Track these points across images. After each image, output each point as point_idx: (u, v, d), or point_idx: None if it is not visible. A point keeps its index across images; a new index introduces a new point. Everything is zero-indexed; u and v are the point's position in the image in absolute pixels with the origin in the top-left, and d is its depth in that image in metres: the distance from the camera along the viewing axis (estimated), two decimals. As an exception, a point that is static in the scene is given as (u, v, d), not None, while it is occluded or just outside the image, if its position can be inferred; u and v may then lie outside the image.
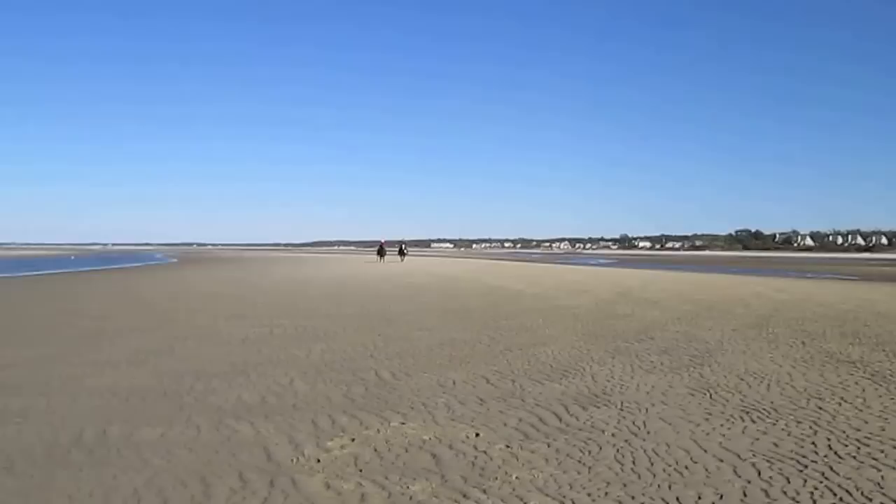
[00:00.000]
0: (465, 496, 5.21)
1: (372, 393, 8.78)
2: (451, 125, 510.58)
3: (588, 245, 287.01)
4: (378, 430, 7.02)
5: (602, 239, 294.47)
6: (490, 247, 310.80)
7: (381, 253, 69.64)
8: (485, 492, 5.30)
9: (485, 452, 6.30)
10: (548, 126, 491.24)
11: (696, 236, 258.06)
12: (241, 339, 13.37)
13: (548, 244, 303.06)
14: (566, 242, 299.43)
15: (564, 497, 5.18)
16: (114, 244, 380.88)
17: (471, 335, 14.00)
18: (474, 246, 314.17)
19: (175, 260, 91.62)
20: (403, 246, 75.48)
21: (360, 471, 5.81)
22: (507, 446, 6.49)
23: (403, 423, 7.29)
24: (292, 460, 6.12)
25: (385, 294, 25.75)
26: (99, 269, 58.95)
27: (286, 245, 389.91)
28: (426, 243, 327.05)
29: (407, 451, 6.36)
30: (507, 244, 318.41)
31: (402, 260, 70.07)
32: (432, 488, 5.39)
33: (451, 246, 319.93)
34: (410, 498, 5.20)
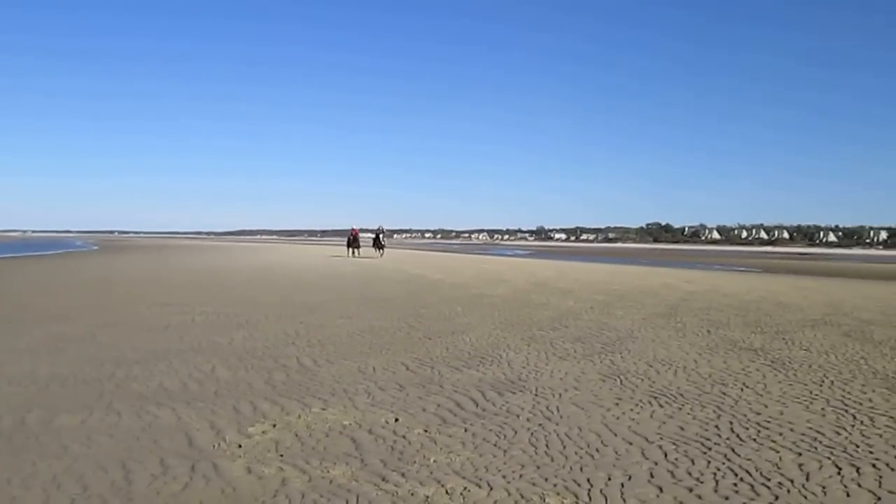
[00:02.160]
0: (384, 479, 5.32)
1: (293, 379, 8.80)
2: (371, 117, 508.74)
3: (506, 236, 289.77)
4: (299, 416, 7.07)
5: (519, 230, 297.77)
6: (411, 237, 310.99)
7: (351, 245, 53.44)
8: (403, 475, 5.41)
9: (404, 437, 6.43)
10: (467, 118, 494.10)
11: (609, 229, 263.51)
12: (163, 327, 13.17)
13: (467, 235, 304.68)
14: (485, 233, 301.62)
15: (480, 479, 5.33)
16: (33, 231, 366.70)
17: (391, 323, 14.10)
18: (395, 236, 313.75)
19: (96, 248, 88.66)
20: (381, 236, 53.44)
21: (281, 456, 5.86)
22: (426, 431, 6.62)
23: (324, 409, 7.35)
24: (214, 446, 6.12)
25: (307, 283, 25.61)
26: (18, 255, 56.59)
27: (209, 234, 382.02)
28: (347, 233, 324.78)
29: (327, 436, 6.43)
30: (427, 234, 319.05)
31: (380, 254, 51.44)
32: (352, 472, 5.48)
33: (373, 236, 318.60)
34: (330, 482, 5.28)
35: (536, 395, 8.11)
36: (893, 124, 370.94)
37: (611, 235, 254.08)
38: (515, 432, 6.59)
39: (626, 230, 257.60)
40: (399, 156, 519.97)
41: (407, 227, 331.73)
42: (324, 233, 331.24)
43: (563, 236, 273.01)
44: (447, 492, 5.07)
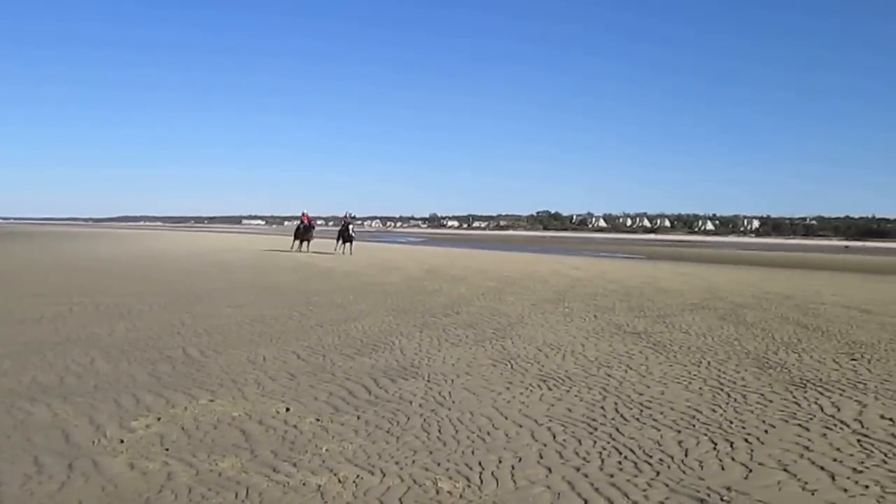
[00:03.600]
0: (275, 470, 5.27)
1: (179, 371, 8.58)
2: (262, 100, 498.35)
3: (399, 223, 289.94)
4: (186, 409, 6.91)
5: (412, 218, 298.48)
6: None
7: (301, 235, 40.61)
8: (295, 465, 5.38)
9: (295, 426, 6.38)
10: (358, 102, 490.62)
11: (500, 216, 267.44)
12: (36, 318, 12.55)
13: (360, 222, 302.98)
14: (377, 220, 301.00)
15: (373, 466, 5.36)
16: None
17: (282, 311, 13.92)
18: (286, 223, 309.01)
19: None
20: (351, 226, 39.32)
21: (167, 450, 5.71)
22: (318, 420, 6.59)
23: (212, 401, 7.21)
24: (93, 442, 5.91)
25: (195, 271, 24.92)
26: None
27: (88, 220, 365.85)
28: (237, 220, 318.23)
29: (216, 428, 6.31)
30: (319, 221, 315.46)
31: (344, 250, 38.67)
32: (241, 464, 5.40)
33: (263, 223, 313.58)
34: (219, 475, 5.19)
35: (429, 381, 8.19)
36: (762, 124, 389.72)
37: (502, 223, 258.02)
38: (408, 418, 6.64)
39: (517, 218, 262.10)
40: (292, 140, 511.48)
41: (298, 215, 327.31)
42: (211, 219, 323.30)
43: (456, 224, 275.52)
44: (340, 480, 5.07)
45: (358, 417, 6.68)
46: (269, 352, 9.81)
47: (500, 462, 5.46)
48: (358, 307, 14.85)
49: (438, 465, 5.40)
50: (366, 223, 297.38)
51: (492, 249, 59.82)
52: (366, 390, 7.73)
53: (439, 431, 6.25)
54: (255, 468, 5.31)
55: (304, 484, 5.00)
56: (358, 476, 5.15)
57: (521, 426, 6.42)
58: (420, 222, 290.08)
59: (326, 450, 5.73)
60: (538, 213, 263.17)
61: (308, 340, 10.75)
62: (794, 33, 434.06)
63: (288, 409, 6.92)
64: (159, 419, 6.56)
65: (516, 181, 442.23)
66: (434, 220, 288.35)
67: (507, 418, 6.67)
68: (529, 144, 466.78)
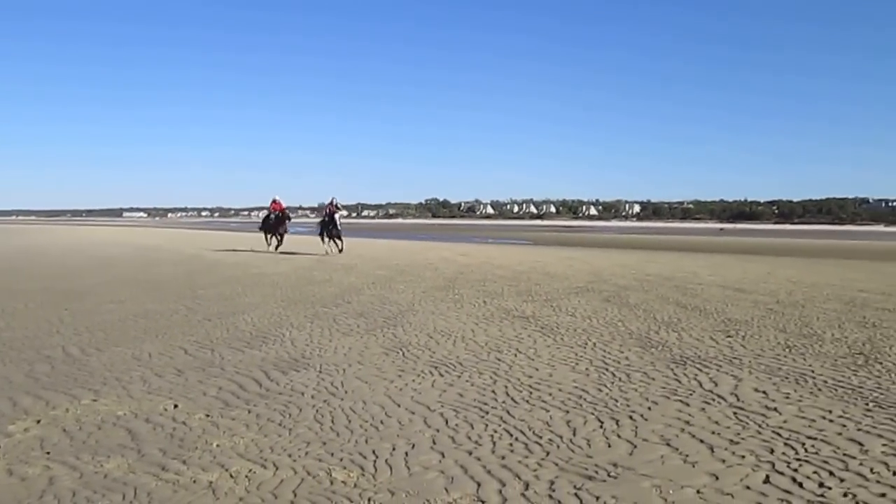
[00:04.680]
0: (163, 469, 5.15)
1: (59, 371, 8.24)
2: (143, 92, 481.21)
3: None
4: (67, 410, 6.65)
5: (301, 207, 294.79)
6: (187, 216, 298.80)
7: (272, 228, 32.42)
8: (184, 462, 5.27)
9: (184, 423, 6.24)
10: (234, 91, 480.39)
11: (390, 205, 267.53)
12: None
13: (246, 212, 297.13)
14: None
15: (266, 460, 5.30)
16: None
17: (167, 306, 13.54)
18: (170, 215, 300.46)
19: None
20: (338, 215, 30.31)
21: (48, 453, 5.49)
22: (208, 415, 6.47)
23: (95, 400, 6.96)
24: (-33, 448, 5.63)
25: (74, 266, 23.91)
26: None
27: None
28: (117, 212, 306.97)
29: (100, 428, 6.11)
30: (204, 213, 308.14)
31: (331, 248, 30.31)
32: (128, 464, 5.25)
33: (146, 216, 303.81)
34: (105, 476, 5.03)
35: (321, 371, 8.14)
36: (641, 111, 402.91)
37: (391, 211, 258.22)
38: (300, 410, 6.60)
39: (407, 206, 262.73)
40: (171, 129, 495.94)
41: (183, 206, 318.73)
42: (90, 212, 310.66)
43: (345, 212, 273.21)
44: (231, 475, 5.00)
45: (249, 411, 6.59)
46: (155, 348, 9.54)
47: (393, 449, 5.50)
48: (246, 299, 14.60)
49: (332, 455, 5.39)
50: (252, 214, 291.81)
51: (381, 238, 59.76)
52: (256, 383, 7.62)
53: (332, 422, 6.24)
54: (142, 468, 5.17)
55: (194, 481, 4.91)
56: (250, 471, 5.09)
57: (413, 413, 6.47)
58: (308, 212, 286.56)
59: (217, 445, 5.63)
60: (427, 200, 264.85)
61: (195, 335, 10.51)
62: (668, 25, 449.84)
63: (176, 406, 6.76)
64: (39, 422, 6.29)
65: (405, 168, 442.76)
66: (321, 210, 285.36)
67: (399, 406, 6.71)
68: (418, 131, 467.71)
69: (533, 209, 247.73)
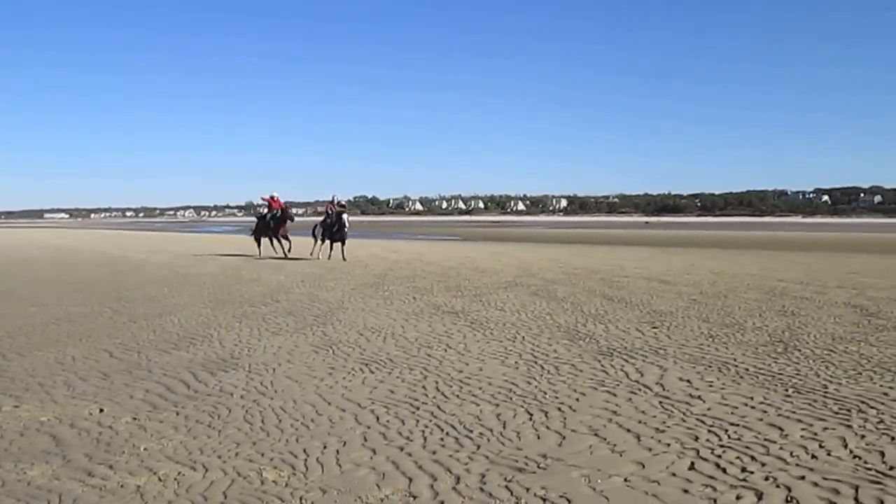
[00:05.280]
0: (89, 474, 5.04)
1: (-25, 378, 7.98)
2: (55, 95, 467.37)
3: (214, 213, 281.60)
4: (-14, 417, 6.45)
5: (228, 206, 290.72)
6: (111, 216, 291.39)
7: (271, 232, 27.16)
8: (111, 467, 5.16)
9: (110, 427, 6.11)
10: (155, 95, 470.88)
11: (318, 202, 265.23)
12: None
13: (172, 212, 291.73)
14: (191, 210, 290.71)
15: (195, 462, 5.23)
16: None
17: (91, 308, 13.21)
18: (93, 216, 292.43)
19: None
20: (344, 216, 25.30)
21: (-33, 462, 5.32)
22: (135, 419, 6.35)
23: (17, 406, 6.76)
24: None
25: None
26: None
27: None
28: (38, 214, 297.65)
29: (22, 435, 5.94)
30: (128, 213, 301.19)
31: (340, 253, 25.30)
32: (53, 470, 5.12)
33: (68, 216, 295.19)
34: (28, 483, 4.90)
35: (250, 371, 8.06)
36: (566, 107, 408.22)
37: (319, 209, 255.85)
38: (230, 411, 6.52)
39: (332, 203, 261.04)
40: (89, 129, 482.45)
41: (106, 206, 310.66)
42: (9, 214, 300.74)
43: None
44: (160, 479, 4.92)
45: (177, 413, 6.49)
46: (79, 351, 9.31)
47: (324, 448, 5.48)
48: (173, 300, 14.34)
49: (263, 455, 5.35)
50: (178, 213, 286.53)
51: (309, 236, 59.21)
52: (185, 385, 7.51)
53: (262, 422, 6.19)
54: (67, 474, 5.05)
55: (121, 486, 4.82)
56: (179, 473, 5.01)
57: (344, 411, 6.46)
58: (236, 210, 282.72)
59: (145, 449, 5.54)
60: (356, 197, 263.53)
61: (121, 337, 10.28)
62: (586, 12, 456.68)
63: (102, 410, 6.62)
64: (-45, 430, 6.08)
65: (334, 166, 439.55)
66: (250, 209, 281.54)
67: (330, 404, 6.69)
68: (345, 129, 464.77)
69: (461, 205, 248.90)
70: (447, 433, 5.79)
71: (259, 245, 27.51)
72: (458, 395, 6.90)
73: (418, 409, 6.50)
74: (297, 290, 15.81)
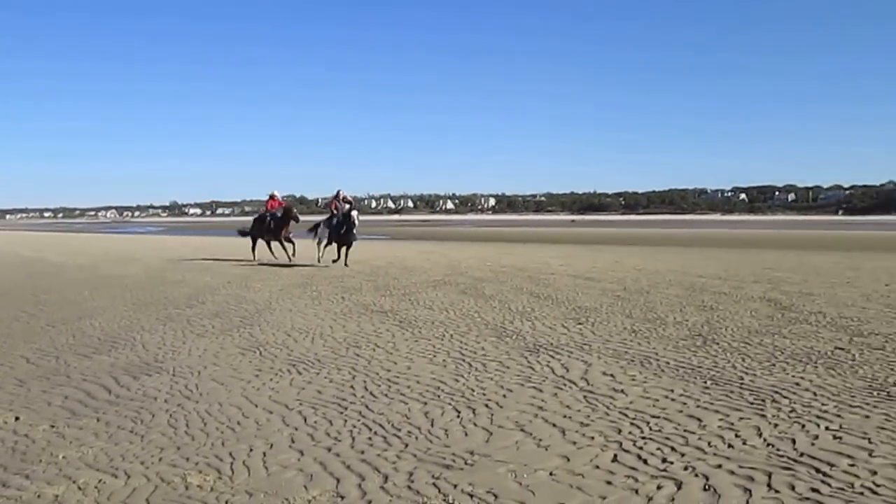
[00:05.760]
0: (4, 485, 4.89)
1: None
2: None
3: (137, 213, 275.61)
4: None
5: (151, 206, 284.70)
6: (27, 217, 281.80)
7: (266, 232, 24.29)
8: (27, 477, 5.02)
9: (26, 436, 5.93)
10: (88, 82, 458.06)
11: (245, 202, 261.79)
12: None
13: (93, 213, 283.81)
14: (113, 211, 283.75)
15: (117, 469, 5.12)
16: None
17: (6, 313, 12.78)
18: (8, 217, 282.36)
19: None
20: (353, 214, 21.12)
21: None
22: (52, 426, 6.18)
23: (-75, 417, 6.52)
24: None
25: None
26: None
27: None
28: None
29: (-69, 446, 5.73)
30: (46, 214, 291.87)
31: (343, 256, 21.67)
32: (-35, 481, 4.96)
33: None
34: (-61, 496, 4.74)
35: (174, 374, 7.92)
36: (494, 107, 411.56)
37: (247, 209, 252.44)
38: (153, 416, 6.40)
39: (263, 203, 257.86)
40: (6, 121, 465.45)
41: (23, 207, 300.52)
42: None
43: (199, 211, 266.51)
44: (80, 487, 4.80)
45: (98, 420, 6.34)
46: (-8, 358, 9.00)
47: (251, 450, 5.43)
48: (94, 303, 13.98)
49: (187, 459, 5.27)
50: (99, 214, 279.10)
51: (236, 237, 58.37)
52: (106, 390, 7.34)
53: (187, 426, 6.09)
54: (-20, 485, 4.89)
55: (38, 496, 4.69)
56: (100, 481, 4.90)
57: (271, 412, 6.41)
58: (160, 211, 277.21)
59: (63, 457, 5.39)
60: (284, 197, 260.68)
61: (38, 342, 9.98)
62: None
63: (17, 419, 6.42)
64: None
65: (260, 166, 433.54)
66: (175, 209, 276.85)
67: (257, 406, 6.62)
68: (271, 128, 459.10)
69: (391, 204, 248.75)
70: (375, 432, 5.80)
71: (254, 248, 24.66)
72: (386, 395, 6.91)
73: (346, 409, 6.48)
74: (224, 291, 15.58)
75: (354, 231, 21.15)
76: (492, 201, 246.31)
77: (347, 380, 7.52)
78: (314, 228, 22.66)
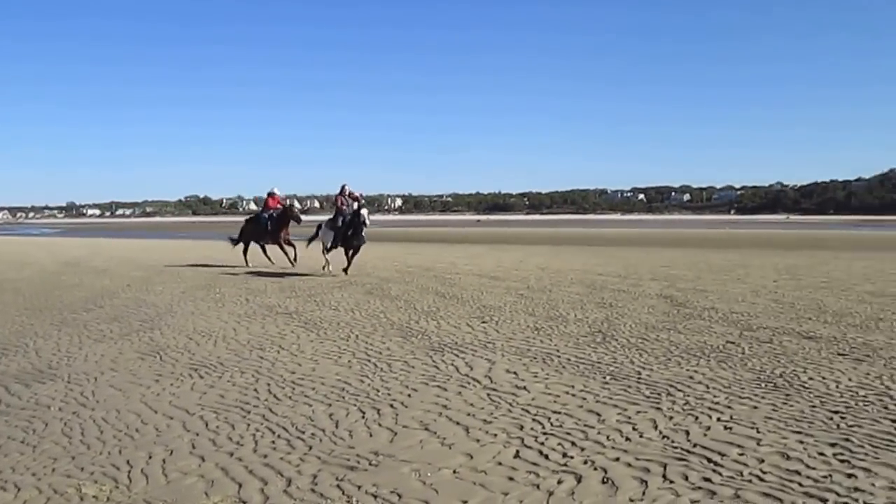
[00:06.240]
0: None
1: None
2: None
3: (32, 214, 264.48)
4: None
5: (47, 207, 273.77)
6: None
7: (263, 234, 21.67)
8: (-90, 491, 4.80)
9: None
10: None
11: (147, 203, 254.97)
12: None
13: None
14: (5, 212, 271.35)
15: (5, 482, 4.93)
16: None
17: None
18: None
19: None
20: (363, 213, 17.97)
21: None
22: (-63, 438, 5.91)
23: None
24: None
25: None
26: None
27: None
28: None
29: None
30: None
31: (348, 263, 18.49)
32: None
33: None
34: None
35: (69, 381, 7.67)
36: (400, 105, 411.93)
37: (149, 209, 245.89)
38: (46, 425, 6.19)
39: (165, 204, 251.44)
40: None
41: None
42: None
43: (98, 212, 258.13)
44: (-34, 501, 4.62)
45: (-14, 430, 6.09)
46: None
47: (150, 458, 5.31)
48: (-18, 309, 13.37)
49: (82, 469, 5.12)
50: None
51: (138, 238, 56.76)
52: (-5, 400, 7.05)
53: (82, 434, 5.91)
54: None
55: (-79, 512, 4.49)
56: (-12, 494, 4.72)
57: (172, 418, 6.28)
58: (56, 212, 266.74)
59: (-52, 471, 5.17)
60: (187, 198, 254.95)
61: (-80, 351, 9.50)
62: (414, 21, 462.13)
63: None
64: None
65: (162, 165, 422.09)
66: (72, 210, 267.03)
67: (156, 412, 6.48)
68: (176, 127, 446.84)
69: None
70: (279, 435, 5.76)
71: (245, 252, 22.10)
72: (290, 397, 6.86)
73: (249, 412, 6.41)
74: (123, 294, 15.14)
75: (363, 233, 18.09)
76: (398, 201, 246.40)
77: (251, 383, 7.43)
78: (314, 236, 19.95)
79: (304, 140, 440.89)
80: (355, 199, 18.90)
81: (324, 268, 19.02)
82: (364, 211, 17.92)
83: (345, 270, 18.23)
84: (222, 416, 6.33)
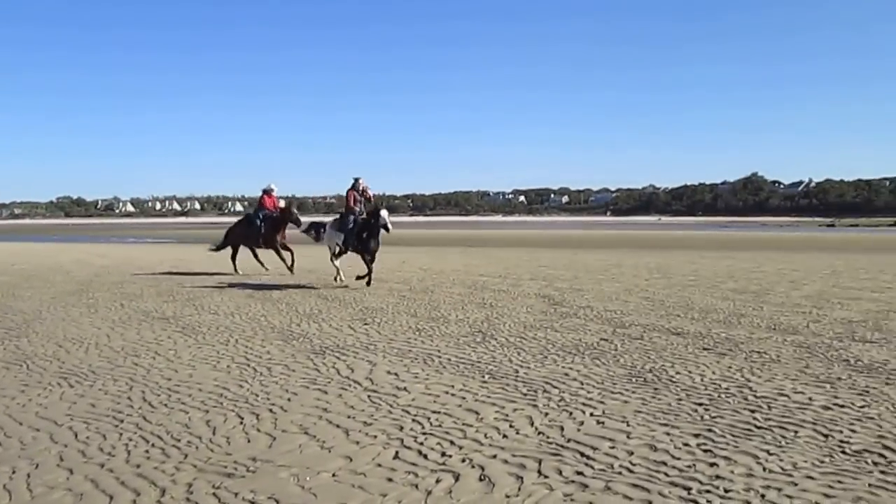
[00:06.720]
0: None
1: None
2: None
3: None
4: None
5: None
6: None
7: (245, 235, 20.26)
8: None
9: None
10: None
11: (15, 204, 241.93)
12: None
13: None
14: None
15: None
16: None
17: None
18: None
19: None
20: (382, 215, 15.57)
21: None
22: None
23: None
24: None
25: None
26: None
27: None
28: None
29: None
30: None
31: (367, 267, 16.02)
32: None
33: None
34: None
35: (-76, 395, 7.24)
36: (280, 104, 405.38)
37: (17, 211, 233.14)
38: None
39: (35, 205, 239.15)
40: None
41: None
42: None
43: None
44: None
45: None
46: None
47: (13, 472, 5.09)
48: None
49: (-69, 488, 4.87)
50: None
51: (4, 241, 53.85)
52: None
53: (-61, 450, 5.61)
54: None
55: None
56: None
57: (38, 430, 6.03)
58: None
59: None
60: (59, 199, 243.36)
61: None
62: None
63: None
64: None
65: (31, 165, 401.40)
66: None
67: (21, 424, 6.21)
68: (43, 122, 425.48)
69: (177, 206, 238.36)
70: (153, 444, 5.62)
71: (234, 257, 20.28)
72: (165, 404, 6.71)
73: (122, 421, 6.23)
74: (-16, 301, 14.37)
75: (379, 237, 15.82)
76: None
77: (124, 391, 7.21)
78: (309, 230, 18.18)
79: (185, 143, 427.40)
80: (368, 198, 17.02)
81: (335, 278, 17.01)
82: (384, 212, 15.76)
83: (367, 282, 15.91)
84: (93, 426, 6.12)
